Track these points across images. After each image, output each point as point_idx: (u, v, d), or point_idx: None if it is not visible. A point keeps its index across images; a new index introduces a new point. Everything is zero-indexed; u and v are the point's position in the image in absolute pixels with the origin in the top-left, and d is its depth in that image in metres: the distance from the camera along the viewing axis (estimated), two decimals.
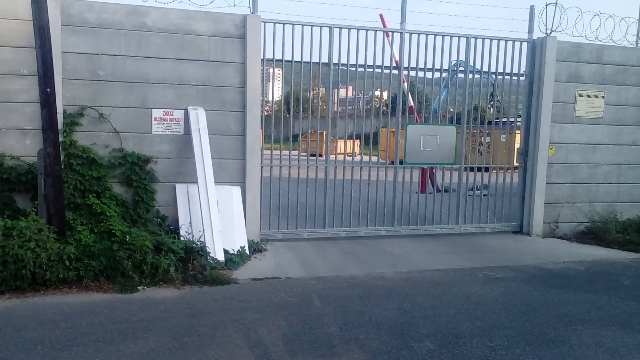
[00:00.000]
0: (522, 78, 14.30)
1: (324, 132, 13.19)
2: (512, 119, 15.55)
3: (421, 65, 13.39)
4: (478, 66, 13.87)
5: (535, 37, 14.08)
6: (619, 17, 14.13)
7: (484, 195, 14.49)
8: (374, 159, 14.63)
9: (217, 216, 10.79)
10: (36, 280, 8.62)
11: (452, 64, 13.73)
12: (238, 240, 11.26)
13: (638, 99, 14.65)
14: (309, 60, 12.55)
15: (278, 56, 12.34)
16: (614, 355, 6.92)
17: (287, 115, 12.99)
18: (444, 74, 13.89)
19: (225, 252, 10.62)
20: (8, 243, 8.58)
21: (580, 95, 14.19)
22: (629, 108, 14.62)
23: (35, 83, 9.93)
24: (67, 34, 10.82)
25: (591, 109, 14.32)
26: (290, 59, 12.50)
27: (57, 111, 9.89)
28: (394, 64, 13.62)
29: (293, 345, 6.90)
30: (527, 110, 14.32)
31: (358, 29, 12.83)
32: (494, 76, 14.26)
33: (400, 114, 13.55)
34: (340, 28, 12.69)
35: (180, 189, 11.51)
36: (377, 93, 15.85)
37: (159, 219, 11.30)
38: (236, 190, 11.87)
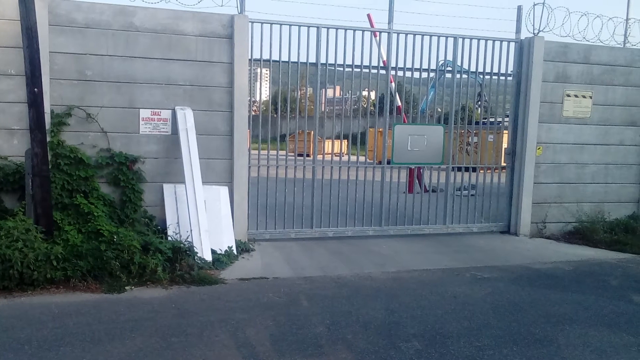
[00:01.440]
0: (509, 78, 14.33)
1: (312, 132, 13.17)
2: (499, 119, 15.58)
3: (409, 65, 13.41)
4: (466, 66, 13.91)
5: (522, 37, 14.12)
6: (607, 17, 14.22)
7: (472, 195, 14.52)
8: (362, 159, 14.65)
9: (204, 216, 10.78)
10: (24, 280, 8.59)
11: (440, 64, 13.74)
12: (225, 240, 11.26)
13: (625, 99, 14.72)
14: (296, 60, 12.53)
15: (266, 56, 12.36)
16: (602, 355, 6.95)
17: (275, 115, 13.02)
18: (432, 74, 13.88)
19: (213, 252, 10.63)
20: None
21: (568, 95, 14.24)
22: (617, 108, 14.68)
23: (22, 83, 9.92)
24: (55, 34, 10.80)
25: (579, 109, 14.37)
26: (277, 59, 12.50)
27: (45, 111, 9.90)
28: (381, 64, 13.64)
29: (280, 345, 6.90)
30: (514, 110, 14.36)
31: (345, 29, 12.84)
32: (481, 76, 14.32)
33: (388, 114, 13.56)
34: (328, 28, 12.70)
35: (167, 189, 11.50)
36: (365, 93, 15.87)
37: (146, 219, 11.30)
38: (224, 191, 11.86)
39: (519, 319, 8.14)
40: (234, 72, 11.78)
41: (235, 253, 11.23)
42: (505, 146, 14.87)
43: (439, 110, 16.22)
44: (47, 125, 10.42)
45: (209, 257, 10.42)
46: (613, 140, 14.78)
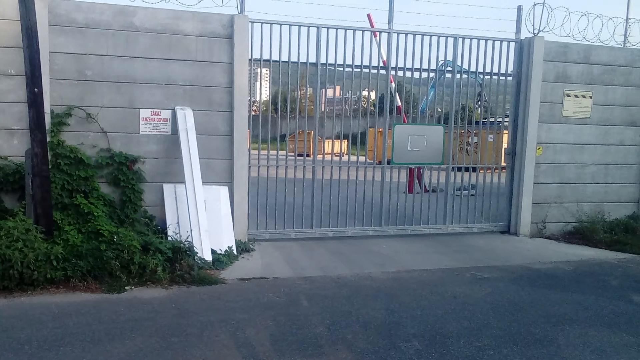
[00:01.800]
0: (509, 78, 14.33)
1: (312, 132, 13.18)
2: (499, 119, 15.58)
3: (409, 65, 13.41)
4: (466, 66, 13.90)
5: (522, 37, 14.12)
6: (607, 17, 14.22)
7: (472, 195, 14.51)
8: (362, 159, 14.65)
9: (204, 216, 10.78)
10: (24, 280, 8.59)
11: (440, 64, 13.74)
12: (225, 240, 11.26)
13: (625, 99, 14.72)
14: (296, 60, 12.53)
15: (266, 56, 12.36)
16: (602, 355, 6.95)
17: (275, 115, 13.00)
18: (432, 74, 13.88)
19: (213, 252, 10.62)
20: None
21: (568, 95, 14.24)
22: (617, 108, 14.68)
23: (22, 83, 9.92)
24: (55, 34, 10.80)
25: (579, 109, 14.37)
26: (277, 59, 12.50)
27: (45, 111, 9.89)
28: (381, 64, 13.64)
29: (280, 345, 6.90)
30: (514, 110, 14.36)
31: (345, 29, 12.84)
32: (481, 76, 14.31)
33: (388, 114, 13.56)
34: (328, 28, 12.69)
35: (167, 189, 11.50)
36: (365, 93, 15.85)
37: (146, 219, 11.31)
38: (224, 191, 11.86)
39: (519, 319, 8.13)
40: (234, 72, 11.79)
41: (235, 253, 11.24)
42: (505, 146, 14.87)
43: (439, 110, 16.22)
44: (47, 125, 10.43)
45: (209, 257, 10.42)
46: (613, 140, 14.78)
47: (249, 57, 12.07)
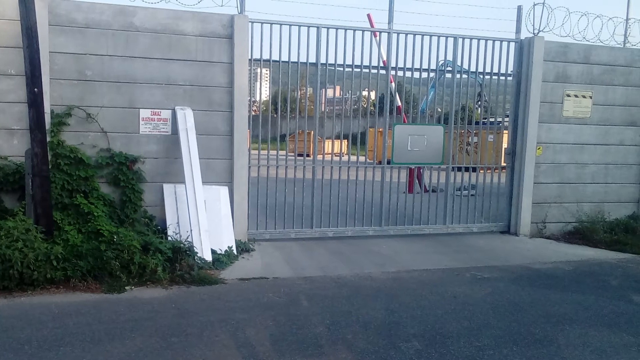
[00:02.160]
0: (509, 78, 14.32)
1: (312, 132, 13.17)
2: (499, 119, 15.57)
3: (409, 65, 13.40)
4: (466, 66, 13.89)
5: (522, 37, 14.11)
6: (607, 17, 14.22)
7: (472, 195, 14.51)
8: (362, 159, 14.64)
9: (204, 216, 10.78)
10: (24, 280, 8.59)
11: (440, 64, 13.73)
12: (225, 240, 11.26)
13: (625, 99, 14.72)
14: (296, 60, 12.52)
15: (266, 56, 12.35)
16: (602, 355, 6.94)
17: (275, 115, 13.00)
18: (432, 74, 13.87)
19: (213, 252, 10.62)
20: None
21: (568, 95, 14.23)
22: (617, 108, 14.67)
23: (22, 83, 9.91)
24: (55, 34, 10.80)
25: (579, 109, 14.36)
26: (277, 59, 12.50)
27: (45, 111, 9.89)
28: (381, 64, 13.63)
29: (280, 345, 6.90)
30: (514, 110, 14.35)
31: (345, 29, 12.84)
32: (481, 76, 14.30)
33: (388, 114, 13.55)
34: (328, 28, 12.69)
35: (167, 189, 11.49)
36: (365, 93, 15.83)
37: (146, 219, 11.30)
38: (224, 191, 11.86)
39: (519, 319, 8.13)
40: (234, 72, 11.78)
41: (235, 253, 11.23)
42: (505, 146, 14.86)
43: (439, 110, 16.22)
44: (47, 125, 10.43)
45: (209, 257, 10.41)
46: (613, 140, 14.77)
47: (249, 57, 12.07)
